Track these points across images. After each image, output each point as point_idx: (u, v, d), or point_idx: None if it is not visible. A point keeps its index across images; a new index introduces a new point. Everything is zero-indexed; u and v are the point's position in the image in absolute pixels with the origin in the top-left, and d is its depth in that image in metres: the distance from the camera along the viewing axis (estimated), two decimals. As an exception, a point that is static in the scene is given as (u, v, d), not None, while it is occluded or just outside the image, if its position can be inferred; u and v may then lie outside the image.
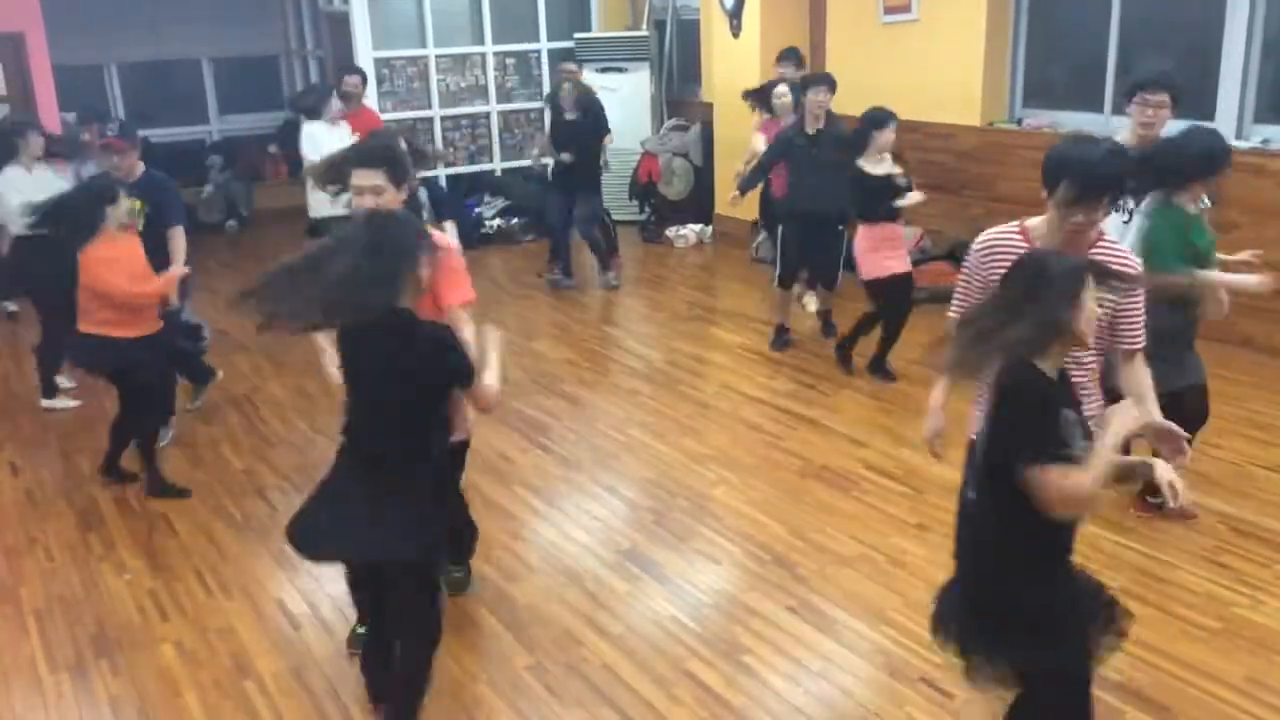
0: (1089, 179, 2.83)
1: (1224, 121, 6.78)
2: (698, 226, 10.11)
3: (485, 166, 10.94)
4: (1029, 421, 2.46)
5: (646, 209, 10.41)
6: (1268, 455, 5.21)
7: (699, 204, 10.32)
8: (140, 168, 5.73)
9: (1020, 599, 2.60)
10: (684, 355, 7.09)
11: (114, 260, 4.94)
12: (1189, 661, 3.70)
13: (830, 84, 6.76)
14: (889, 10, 8.42)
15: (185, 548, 4.80)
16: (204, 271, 9.51)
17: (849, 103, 8.05)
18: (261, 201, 11.63)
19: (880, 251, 6.25)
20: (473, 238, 10.23)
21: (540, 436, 5.83)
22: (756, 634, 3.98)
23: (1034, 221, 3.03)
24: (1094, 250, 2.92)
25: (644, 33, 10.78)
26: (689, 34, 10.62)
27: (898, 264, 6.30)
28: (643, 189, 10.30)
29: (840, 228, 6.78)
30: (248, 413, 6.35)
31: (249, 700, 3.72)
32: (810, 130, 6.73)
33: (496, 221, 10.45)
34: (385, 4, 10.23)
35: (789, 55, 8.26)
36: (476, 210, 10.49)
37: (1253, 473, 5.05)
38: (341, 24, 10.55)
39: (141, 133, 7.94)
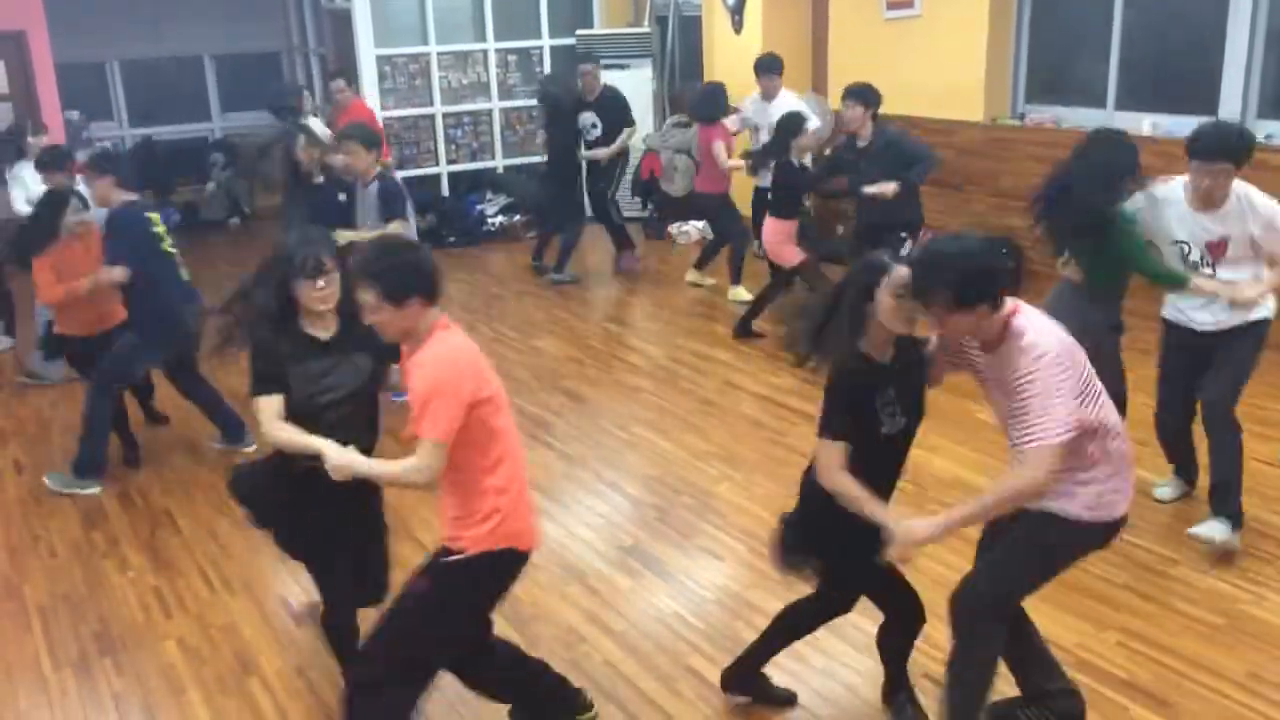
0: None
1: (1227, 116, 6.76)
2: (700, 223, 10.08)
3: (487, 164, 10.93)
4: (829, 400, 3.01)
5: (648, 206, 10.40)
6: (1270, 450, 5.20)
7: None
8: (117, 198, 5.30)
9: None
10: (687, 352, 7.09)
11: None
12: (1191, 657, 3.69)
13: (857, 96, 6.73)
14: (891, 6, 8.41)
15: (188, 545, 4.81)
16: (208, 268, 9.55)
17: (851, 99, 8.05)
18: (264, 198, 11.63)
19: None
20: (475, 235, 10.25)
21: (543, 433, 5.83)
22: (759, 630, 3.97)
23: None
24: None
25: (646, 29, 10.77)
26: (691, 30, 10.61)
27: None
28: (645, 186, 10.28)
29: (903, 235, 6.76)
30: (251, 412, 6.33)
31: (253, 698, 3.73)
32: (861, 144, 6.74)
33: (499, 219, 10.45)
34: (387, 1, 10.22)
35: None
36: (479, 207, 10.50)
37: (1256, 468, 5.04)
38: (343, 21, 10.54)
39: (144, 131, 7.97)
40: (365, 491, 3.31)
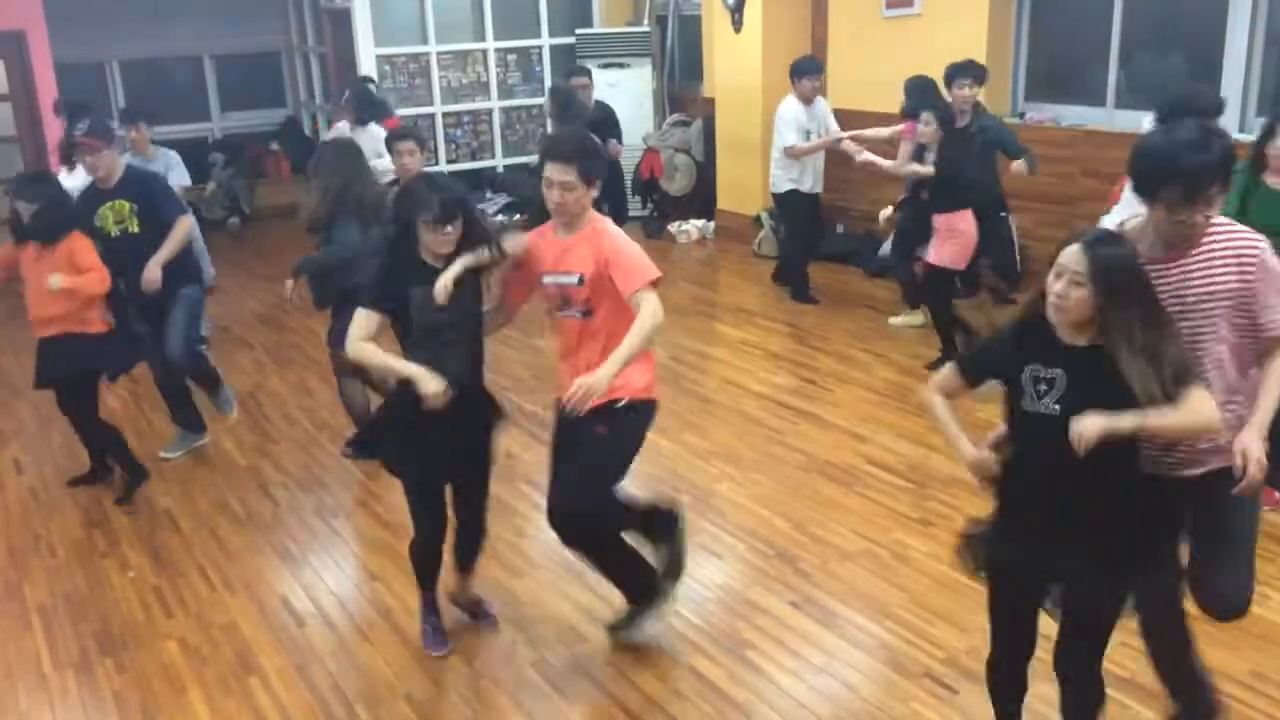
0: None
1: (1227, 114, 6.75)
2: (700, 222, 10.10)
3: (487, 163, 10.94)
4: (984, 341, 3.08)
5: (649, 204, 10.41)
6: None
7: (701, 199, 10.31)
8: (120, 168, 5.31)
9: None
10: (686, 351, 7.09)
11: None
12: (1193, 655, 3.69)
13: (975, 74, 6.58)
14: (891, 4, 8.41)
15: (189, 544, 4.81)
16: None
17: (850, 97, 8.06)
18: (263, 198, 11.64)
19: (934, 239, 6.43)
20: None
21: (543, 432, 5.80)
22: (760, 629, 3.98)
23: (1133, 224, 2.84)
24: (1208, 238, 2.73)
25: (646, 28, 10.77)
26: (691, 29, 10.62)
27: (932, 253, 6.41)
28: (645, 184, 10.29)
29: (1003, 214, 7.06)
30: (250, 409, 6.35)
31: (253, 697, 3.72)
32: (961, 123, 6.49)
33: (499, 218, 10.46)
34: (387, 0, 10.22)
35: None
36: (479, 207, 10.50)
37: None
38: (343, 20, 10.55)
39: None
40: (477, 430, 3.79)
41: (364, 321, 3.50)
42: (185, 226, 5.39)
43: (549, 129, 8.35)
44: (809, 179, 7.75)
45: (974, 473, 2.78)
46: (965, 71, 6.55)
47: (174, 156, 7.09)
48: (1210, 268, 2.72)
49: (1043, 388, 2.64)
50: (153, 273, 5.20)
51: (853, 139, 7.36)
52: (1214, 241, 2.72)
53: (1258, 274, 2.71)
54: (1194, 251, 2.72)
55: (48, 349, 5.00)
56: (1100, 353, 2.59)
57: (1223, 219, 2.75)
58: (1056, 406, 2.61)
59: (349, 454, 5.45)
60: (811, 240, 8.05)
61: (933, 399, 2.88)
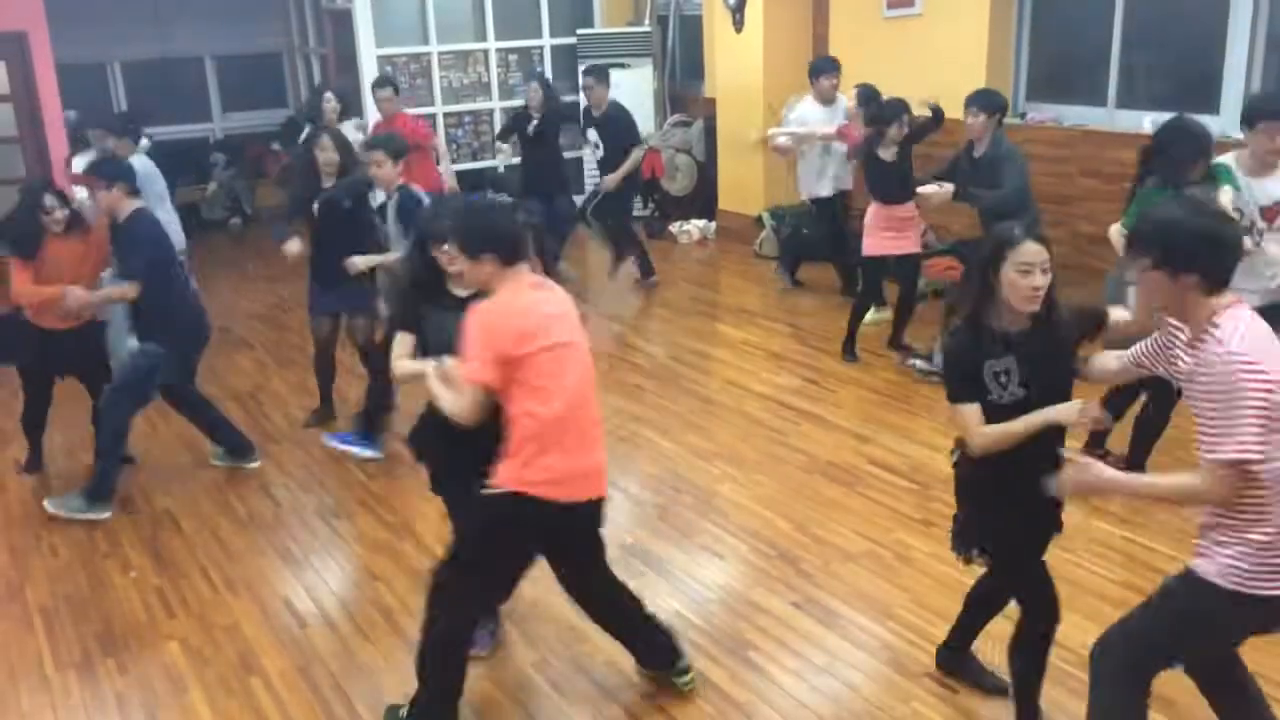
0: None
1: (1228, 115, 6.75)
2: (701, 222, 10.10)
3: (488, 163, 10.93)
4: (944, 366, 3.06)
5: (650, 205, 10.41)
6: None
7: (702, 200, 10.31)
8: (128, 208, 5.03)
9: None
10: (688, 351, 7.09)
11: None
12: (1194, 656, 3.68)
13: (981, 103, 6.12)
14: (892, 5, 8.41)
15: (190, 545, 4.81)
16: (209, 269, 9.55)
17: (851, 97, 8.03)
18: (264, 199, 11.63)
19: (884, 231, 6.52)
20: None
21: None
22: (762, 630, 3.98)
23: None
24: (1207, 337, 2.55)
25: (647, 28, 10.77)
26: (692, 29, 10.61)
27: (901, 244, 6.55)
28: (646, 185, 10.28)
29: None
30: (251, 410, 6.35)
31: (255, 697, 3.73)
32: (976, 153, 6.20)
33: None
34: (388, 1, 10.22)
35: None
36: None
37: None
38: (344, 21, 10.54)
39: (145, 131, 7.94)
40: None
41: (402, 341, 3.68)
42: (123, 291, 5.04)
43: (533, 115, 8.25)
44: (830, 182, 7.79)
45: (1085, 420, 2.91)
46: (971, 100, 6.19)
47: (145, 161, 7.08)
48: (1195, 366, 2.57)
49: (1004, 378, 2.91)
50: (79, 296, 5.02)
51: (791, 136, 7.76)
52: (1205, 342, 2.55)
53: (1206, 385, 2.51)
54: (1198, 344, 2.57)
55: (73, 337, 5.25)
56: (1034, 329, 2.91)
57: (1225, 326, 2.53)
58: (1021, 390, 2.91)
59: (312, 423, 5.99)
60: (829, 240, 8.03)
61: (987, 430, 2.95)
